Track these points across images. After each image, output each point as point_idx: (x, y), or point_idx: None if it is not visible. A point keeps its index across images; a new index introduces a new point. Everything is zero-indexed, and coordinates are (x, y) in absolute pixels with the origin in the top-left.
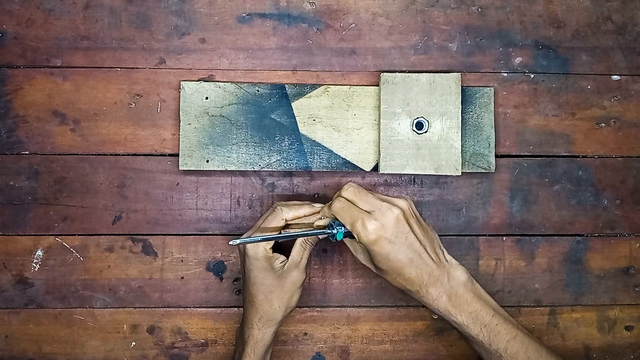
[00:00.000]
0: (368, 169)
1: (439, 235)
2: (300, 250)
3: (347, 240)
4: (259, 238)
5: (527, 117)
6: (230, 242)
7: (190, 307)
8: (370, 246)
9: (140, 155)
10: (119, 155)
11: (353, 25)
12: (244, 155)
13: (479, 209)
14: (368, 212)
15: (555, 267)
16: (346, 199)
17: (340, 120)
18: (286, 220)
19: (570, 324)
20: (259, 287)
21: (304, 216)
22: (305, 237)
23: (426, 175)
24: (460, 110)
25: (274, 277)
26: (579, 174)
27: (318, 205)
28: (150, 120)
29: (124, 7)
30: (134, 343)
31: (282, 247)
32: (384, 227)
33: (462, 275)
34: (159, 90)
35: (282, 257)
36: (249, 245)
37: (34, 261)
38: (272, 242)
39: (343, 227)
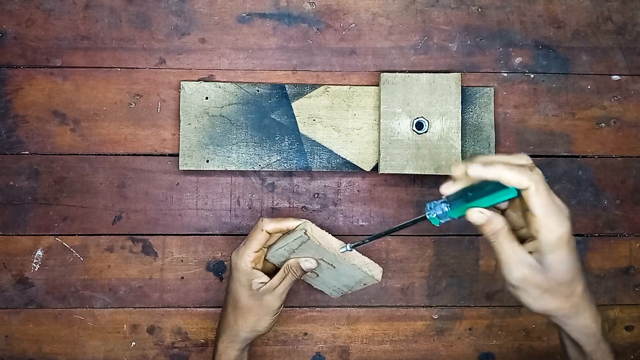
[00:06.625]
0: (368, 169)
1: (440, 236)
2: (280, 276)
3: (500, 243)
4: (367, 240)
5: (527, 117)
6: (341, 249)
7: (190, 307)
8: (563, 247)
9: (140, 155)
10: (119, 155)
11: (353, 25)
12: (244, 155)
13: None
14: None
15: None
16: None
17: (340, 120)
18: (267, 232)
19: None
20: (230, 299)
21: (287, 229)
22: (288, 265)
23: (426, 175)
24: (460, 110)
25: (248, 295)
26: (579, 174)
27: (301, 220)
28: (150, 120)
29: (124, 7)
30: (134, 343)
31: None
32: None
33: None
34: (159, 90)
35: (264, 278)
36: (234, 255)
37: (34, 261)
38: (257, 259)
39: (443, 206)
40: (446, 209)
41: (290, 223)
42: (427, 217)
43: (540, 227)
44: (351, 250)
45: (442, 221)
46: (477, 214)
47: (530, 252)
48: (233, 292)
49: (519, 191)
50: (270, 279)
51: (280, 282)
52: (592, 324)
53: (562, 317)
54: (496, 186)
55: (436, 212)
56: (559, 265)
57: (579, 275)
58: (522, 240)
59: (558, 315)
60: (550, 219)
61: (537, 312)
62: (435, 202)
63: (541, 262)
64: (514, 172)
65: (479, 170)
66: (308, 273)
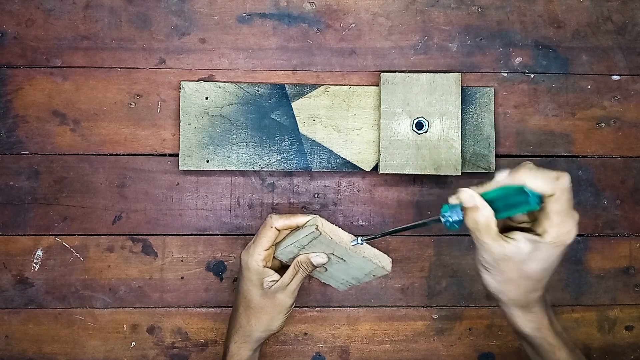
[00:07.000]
0: (368, 169)
1: (440, 236)
2: (291, 273)
3: (479, 233)
4: (379, 235)
5: (527, 117)
6: (352, 243)
7: (190, 307)
8: (558, 252)
9: (140, 155)
10: (119, 155)
11: (353, 25)
12: (244, 155)
13: None
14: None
15: None
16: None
17: (340, 120)
18: (277, 229)
19: (571, 324)
20: (242, 299)
21: (297, 225)
22: (299, 261)
23: (426, 175)
24: (460, 110)
25: (260, 294)
26: (579, 174)
27: (310, 215)
28: (150, 120)
29: (124, 7)
30: (134, 343)
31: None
32: None
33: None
34: (159, 90)
35: (275, 276)
36: (244, 254)
37: (34, 261)
38: (267, 257)
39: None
40: (462, 216)
41: (300, 219)
42: (442, 220)
43: (550, 229)
44: (362, 243)
45: (457, 226)
46: (467, 195)
47: (510, 237)
48: (244, 292)
49: (539, 204)
50: (281, 276)
51: (292, 279)
52: (541, 319)
53: (512, 305)
54: (518, 197)
55: (452, 218)
56: (542, 263)
57: (546, 281)
58: (505, 229)
59: (509, 303)
60: (563, 227)
61: (492, 292)
62: (451, 205)
63: (527, 253)
64: (539, 179)
65: (505, 178)
66: (318, 268)
